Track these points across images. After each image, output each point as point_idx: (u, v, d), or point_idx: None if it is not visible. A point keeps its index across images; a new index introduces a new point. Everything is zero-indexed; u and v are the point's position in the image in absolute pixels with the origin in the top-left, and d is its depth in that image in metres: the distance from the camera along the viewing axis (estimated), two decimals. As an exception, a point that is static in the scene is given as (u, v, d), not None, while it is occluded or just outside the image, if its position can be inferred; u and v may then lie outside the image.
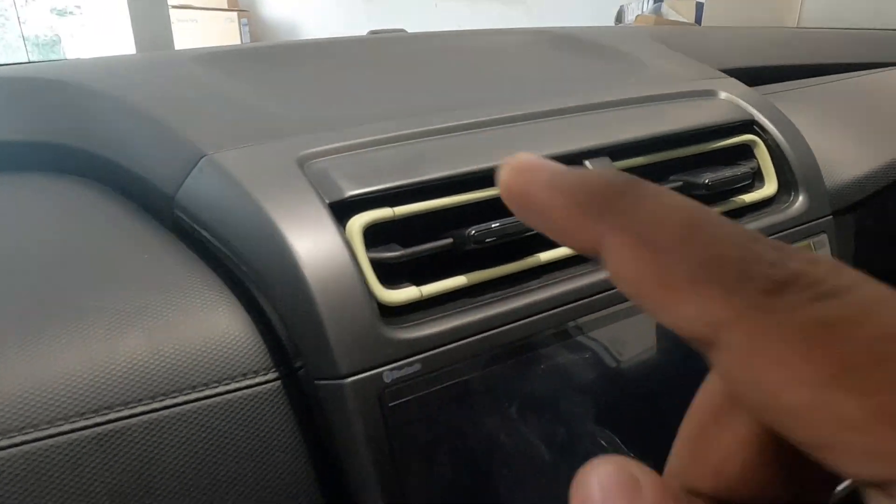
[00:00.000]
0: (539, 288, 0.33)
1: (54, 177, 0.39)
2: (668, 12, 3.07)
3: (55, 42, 3.52)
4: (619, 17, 2.43)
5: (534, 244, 0.34)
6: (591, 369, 0.34)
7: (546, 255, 0.34)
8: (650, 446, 0.35)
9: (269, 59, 0.47)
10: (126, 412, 0.28)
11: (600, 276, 0.35)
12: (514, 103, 0.40)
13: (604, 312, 0.34)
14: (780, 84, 0.60)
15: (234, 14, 4.78)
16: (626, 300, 0.34)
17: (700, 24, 1.98)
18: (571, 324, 0.33)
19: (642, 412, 0.36)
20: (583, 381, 0.34)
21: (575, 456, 0.33)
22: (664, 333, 0.36)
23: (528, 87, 0.45)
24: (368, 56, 0.52)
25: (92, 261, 0.33)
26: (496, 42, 0.57)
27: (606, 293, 0.34)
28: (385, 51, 0.53)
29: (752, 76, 0.57)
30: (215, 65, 0.44)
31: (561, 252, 0.35)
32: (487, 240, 0.32)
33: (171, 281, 0.32)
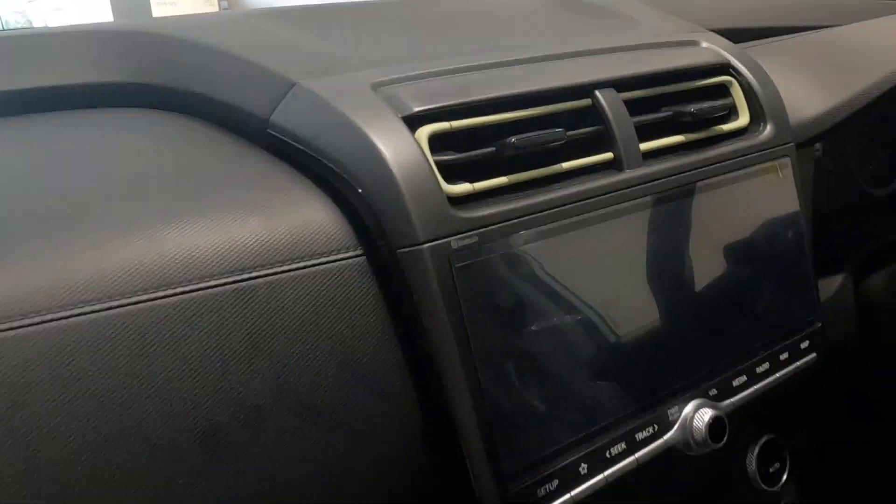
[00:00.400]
0: (561, 187, 0.42)
1: (157, 112, 0.47)
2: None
3: (27, 27, 3.50)
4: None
5: (561, 154, 0.43)
6: (605, 252, 0.43)
7: (567, 164, 0.43)
8: (668, 316, 0.44)
9: (321, 16, 0.55)
10: (255, 274, 0.36)
11: (609, 180, 0.44)
12: (536, 47, 0.48)
13: (612, 208, 0.43)
14: (757, 41, 0.69)
15: (215, -1, 4.75)
16: (626, 200, 0.43)
17: None
18: (586, 215, 0.42)
19: (648, 288, 0.45)
20: (600, 260, 0.43)
21: (604, 316, 0.42)
22: (662, 225, 0.46)
23: (543, 37, 0.54)
24: (401, 13, 0.60)
25: (209, 169, 0.41)
26: (506, 4, 0.65)
27: (614, 193, 0.43)
28: (415, 9, 0.61)
29: (734, 35, 0.66)
30: (280, 19, 0.52)
31: (580, 162, 0.44)
32: (523, 147, 0.40)
33: (273, 182, 0.40)
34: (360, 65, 0.44)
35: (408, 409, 0.39)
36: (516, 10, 0.63)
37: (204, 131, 0.46)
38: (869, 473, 1.08)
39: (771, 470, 0.56)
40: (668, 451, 0.45)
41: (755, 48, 0.63)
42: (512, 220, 0.39)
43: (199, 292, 0.35)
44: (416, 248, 0.37)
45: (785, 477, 0.57)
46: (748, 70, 0.54)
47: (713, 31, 0.61)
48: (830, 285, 0.67)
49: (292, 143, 0.41)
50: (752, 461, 0.55)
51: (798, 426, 0.65)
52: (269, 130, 0.43)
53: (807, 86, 0.60)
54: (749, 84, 0.54)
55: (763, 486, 0.56)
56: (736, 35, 0.64)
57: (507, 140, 0.40)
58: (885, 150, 0.82)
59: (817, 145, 0.77)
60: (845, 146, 0.77)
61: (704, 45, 0.56)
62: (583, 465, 0.41)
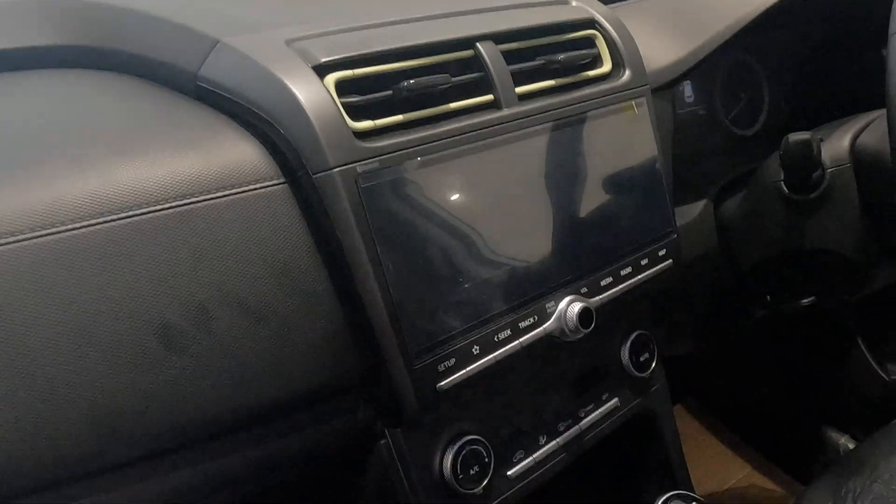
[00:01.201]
0: (449, 123, 0.51)
1: (98, 71, 0.54)
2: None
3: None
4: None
5: (450, 97, 0.52)
6: (490, 174, 0.53)
7: (454, 105, 0.52)
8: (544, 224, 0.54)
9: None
10: (194, 199, 0.44)
11: (489, 116, 0.53)
12: (429, 7, 0.57)
13: (494, 139, 0.53)
14: (623, 2, 0.79)
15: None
16: (506, 132, 0.52)
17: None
18: (472, 145, 0.51)
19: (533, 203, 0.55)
20: (486, 181, 0.52)
21: (490, 227, 0.51)
22: (535, 152, 0.55)
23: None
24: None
25: (149, 115, 0.48)
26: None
27: (494, 127, 0.53)
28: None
29: None
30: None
31: (464, 102, 0.53)
32: (415, 90, 0.49)
33: (206, 125, 0.48)
34: (277, 25, 0.51)
35: (330, 306, 0.47)
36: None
37: (141, 85, 0.52)
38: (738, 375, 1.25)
39: (641, 359, 0.68)
40: (548, 338, 0.55)
41: (620, 8, 0.74)
42: (407, 148, 0.48)
43: (147, 215, 0.42)
44: (328, 172, 0.45)
45: (654, 365, 0.69)
46: (611, 25, 0.64)
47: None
48: (694, 209, 0.79)
49: (219, 92, 0.49)
50: (625, 352, 0.67)
51: (665, 324, 0.77)
52: (198, 83, 0.50)
53: (662, 39, 0.71)
54: (611, 37, 0.64)
55: (635, 372, 0.67)
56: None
57: (401, 84, 0.49)
58: (747, 95, 0.95)
59: (689, 94, 0.89)
60: (713, 94, 0.89)
61: (574, 3, 0.65)
62: (475, 346, 0.51)
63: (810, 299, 0.77)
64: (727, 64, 0.91)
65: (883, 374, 1.23)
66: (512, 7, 0.61)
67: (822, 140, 0.65)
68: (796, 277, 0.77)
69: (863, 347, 1.24)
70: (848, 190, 0.68)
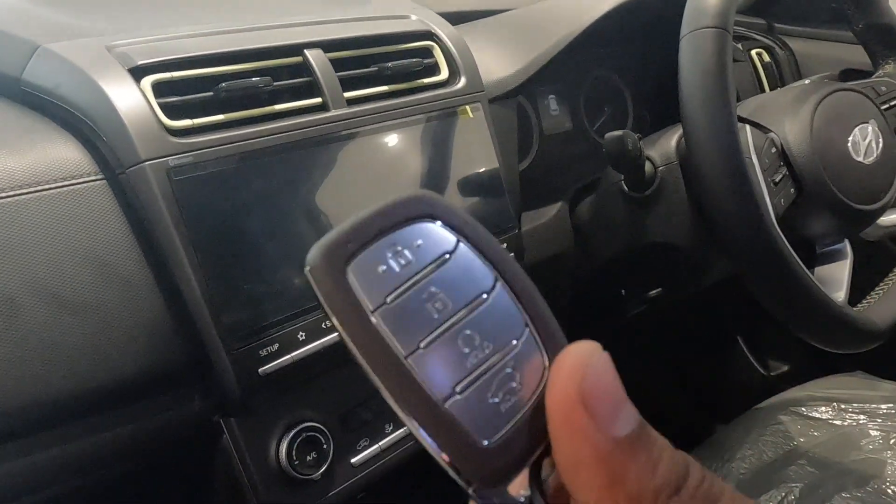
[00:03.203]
0: (273, 122, 0.54)
1: None
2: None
3: None
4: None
5: (278, 100, 0.55)
6: (316, 171, 0.56)
7: (279, 106, 0.55)
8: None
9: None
10: (13, 192, 0.45)
11: (315, 117, 0.56)
12: (261, 19, 0.60)
13: (317, 138, 0.56)
14: (472, 22, 0.85)
15: None
16: (331, 132, 0.55)
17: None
18: (295, 142, 0.54)
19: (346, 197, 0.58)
20: (311, 176, 0.55)
21: (308, 220, 0.54)
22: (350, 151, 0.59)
23: (274, 12, 0.66)
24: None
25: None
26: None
27: (318, 127, 0.56)
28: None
29: (458, 17, 0.82)
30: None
31: (290, 105, 0.56)
32: (233, 90, 0.52)
33: (23, 126, 0.49)
34: (99, 32, 0.53)
35: (150, 296, 0.49)
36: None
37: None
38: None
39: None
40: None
41: (464, 27, 0.79)
42: (224, 145, 0.51)
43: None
44: (140, 165, 0.47)
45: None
46: (448, 37, 0.69)
47: (441, 14, 0.75)
48: (551, 210, 0.84)
49: (40, 95, 0.51)
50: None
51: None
52: (21, 87, 0.52)
53: (501, 54, 0.77)
54: (447, 47, 0.68)
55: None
56: (457, 18, 0.79)
57: (220, 86, 0.52)
58: (611, 108, 1.01)
59: (554, 107, 0.95)
60: (578, 107, 0.95)
61: (414, 17, 0.70)
62: (301, 333, 0.53)
63: (657, 291, 0.82)
64: (590, 79, 0.98)
65: (762, 371, 1.31)
66: (350, 20, 0.65)
67: (641, 139, 0.71)
68: (643, 270, 0.83)
69: (743, 346, 1.31)
70: (677, 186, 0.74)
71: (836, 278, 0.67)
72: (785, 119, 0.68)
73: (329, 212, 0.56)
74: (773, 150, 0.66)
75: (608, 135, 0.68)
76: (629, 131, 0.68)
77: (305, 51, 0.58)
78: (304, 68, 0.58)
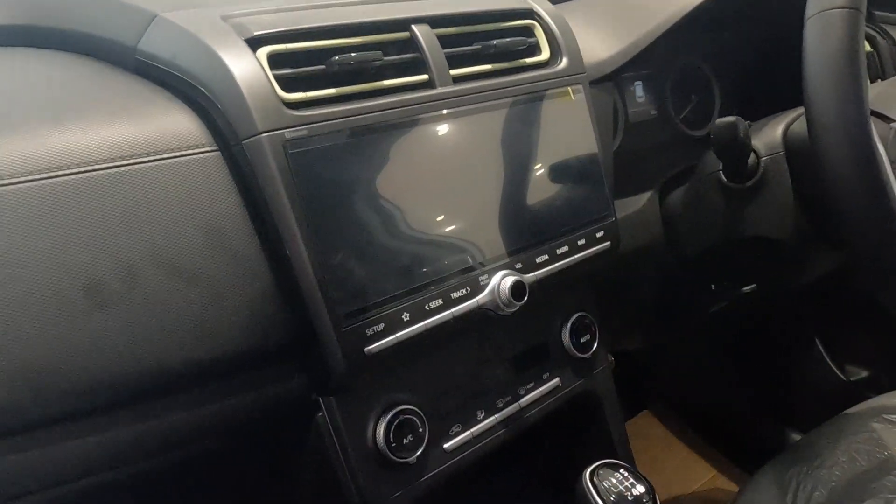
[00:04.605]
0: (381, 98, 0.53)
1: (41, 50, 0.55)
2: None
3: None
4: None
5: (386, 75, 0.54)
6: (424, 148, 0.54)
7: (388, 82, 0.54)
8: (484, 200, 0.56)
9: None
10: (125, 162, 0.45)
11: (422, 94, 0.55)
12: (367, -6, 0.59)
13: (426, 115, 0.55)
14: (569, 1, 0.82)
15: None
16: (438, 110, 0.54)
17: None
18: (403, 119, 0.53)
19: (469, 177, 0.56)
20: (420, 154, 0.54)
21: (422, 199, 0.53)
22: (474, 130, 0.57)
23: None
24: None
25: (87, 87, 0.50)
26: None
27: (426, 104, 0.55)
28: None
29: None
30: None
31: (398, 81, 0.55)
32: (345, 64, 0.51)
33: (141, 96, 0.49)
34: (214, 2, 0.53)
35: (261, 269, 0.49)
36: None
37: (82, 61, 0.54)
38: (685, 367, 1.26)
39: (582, 340, 0.69)
40: (482, 311, 0.57)
41: (563, 6, 0.77)
42: (337, 119, 0.50)
43: (77, 175, 0.43)
44: (257, 137, 0.47)
45: (595, 347, 0.70)
46: (549, 16, 0.67)
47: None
48: (640, 200, 0.81)
49: (156, 64, 0.50)
50: (565, 333, 0.68)
51: (613, 312, 0.79)
52: (136, 56, 0.52)
53: (601, 35, 0.74)
54: (549, 26, 0.66)
55: (576, 353, 0.69)
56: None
57: (332, 59, 0.51)
58: (698, 97, 0.98)
59: (640, 94, 0.92)
60: (665, 95, 0.92)
61: (516, -5, 0.68)
62: (405, 313, 0.52)
63: (751, 286, 0.79)
64: (677, 66, 0.94)
65: (841, 376, 1.26)
66: (452, -4, 0.64)
67: (750, 124, 0.68)
68: (737, 265, 0.79)
69: (821, 349, 1.26)
70: (782, 178, 0.71)
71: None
72: (909, 108, 0.64)
73: (433, 190, 0.55)
74: (897, 140, 0.62)
75: (719, 121, 0.65)
76: (740, 118, 0.64)
77: (413, 26, 0.57)
78: (412, 44, 0.57)
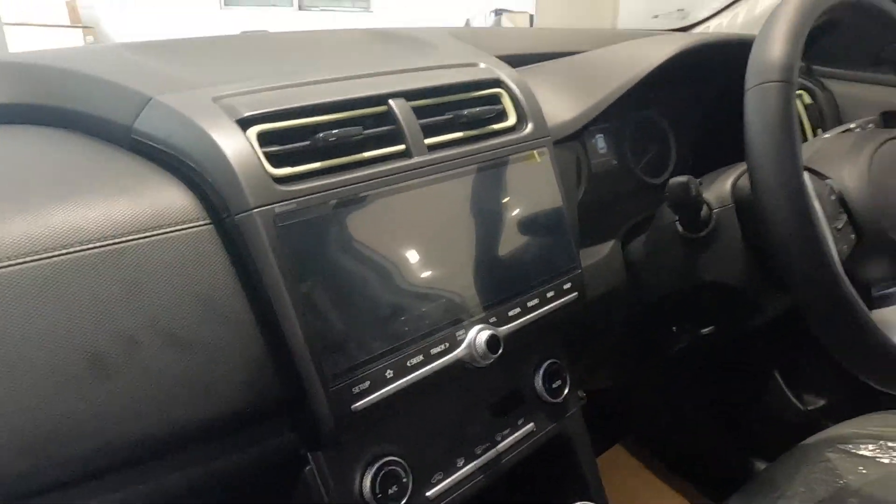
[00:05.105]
0: (363, 169, 0.57)
1: (39, 127, 0.58)
2: (506, 23, 3.47)
3: None
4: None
5: (366, 147, 0.58)
6: (402, 216, 0.58)
7: (368, 154, 0.59)
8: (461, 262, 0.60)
9: (175, 46, 0.68)
10: (124, 239, 0.48)
11: (400, 164, 0.59)
12: (350, 69, 0.64)
13: (404, 184, 0.59)
14: (530, 65, 0.88)
15: (80, 31, 4.65)
16: (415, 178, 0.58)
17: (521, 31, 2.32)
18: (383, 188, 0.57)
19: (452, 241, 0.61)
20: (399, 222, 0.58)
21: (401, 263, 0.57)
22: (449, 194, 0.62)
23: (358, 61, 0.70)
24: (243, 44, 0.73)
25: (85, 166, 0.53)
26: (334, 36, 0.81)
27: (404, 173, 0.59)
28: (256, 43, 0.75)
29: (516, 60, 0.85)
30: (139, 49, 0.64)
31: (377, 152, 0.59)
32: (329, 140, 0.55)
33: (137, 174, 0.53)
34: (205, 84, 0.57)
35: (254, 334, 0.52)
36: (341, 41, 0.79)
37: (80, 139, 0.57)
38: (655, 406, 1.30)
39: (554, 386, 0.73)
40: (460, 364, 0.61)
41: (527, 70, 0.82)
42: (323, 192, 0.54)
43: (80, 253, 0.46)
44: (249, 212, 0.50)
45: (566, 392, 0.74)
46: (514, 84, 0.72)
47: (500, 57, 0.79)
48: (605, 248, 0.86)
49: (151, 143, 0.54)
50: (538, 379, 0.72)
51: (582, 355, 0.83)
52: (132, 136, 0.55)
53: (563, 97, 0.80)
54: (515, 94, 0.72)
55: (549, 398, 0.73)
56: (517, 60, 0.83)
57: (317, 135, 0.55)
58: (655, 147, 1.04)
59: (602, 146, 0.98)
60: (624, 146, 0.98)
61: (482, 65, 0.73)
62: (389, 370, 0.55)
63: (709, 328, 0.84)
64: (635, 119, 1.01)
65: (800, 405, 1.32)
66: (426, 69, 0.69)
67: (701, 183, 0.73)
68: (696, 308, 0.85)
69: (780, 380, 1.32)
70: (733, 228, 0.76)
71: (894, 321, 0.69)
72: (843, 166, 0.70)
73: (413, 253, 0.59)
74: (832, 196, 0.69)
75: (672, 180, 0.70)
76: (692, 177, 0.70)
77: (390, 100, 0.61)
78: (389, 116, 0.61)
